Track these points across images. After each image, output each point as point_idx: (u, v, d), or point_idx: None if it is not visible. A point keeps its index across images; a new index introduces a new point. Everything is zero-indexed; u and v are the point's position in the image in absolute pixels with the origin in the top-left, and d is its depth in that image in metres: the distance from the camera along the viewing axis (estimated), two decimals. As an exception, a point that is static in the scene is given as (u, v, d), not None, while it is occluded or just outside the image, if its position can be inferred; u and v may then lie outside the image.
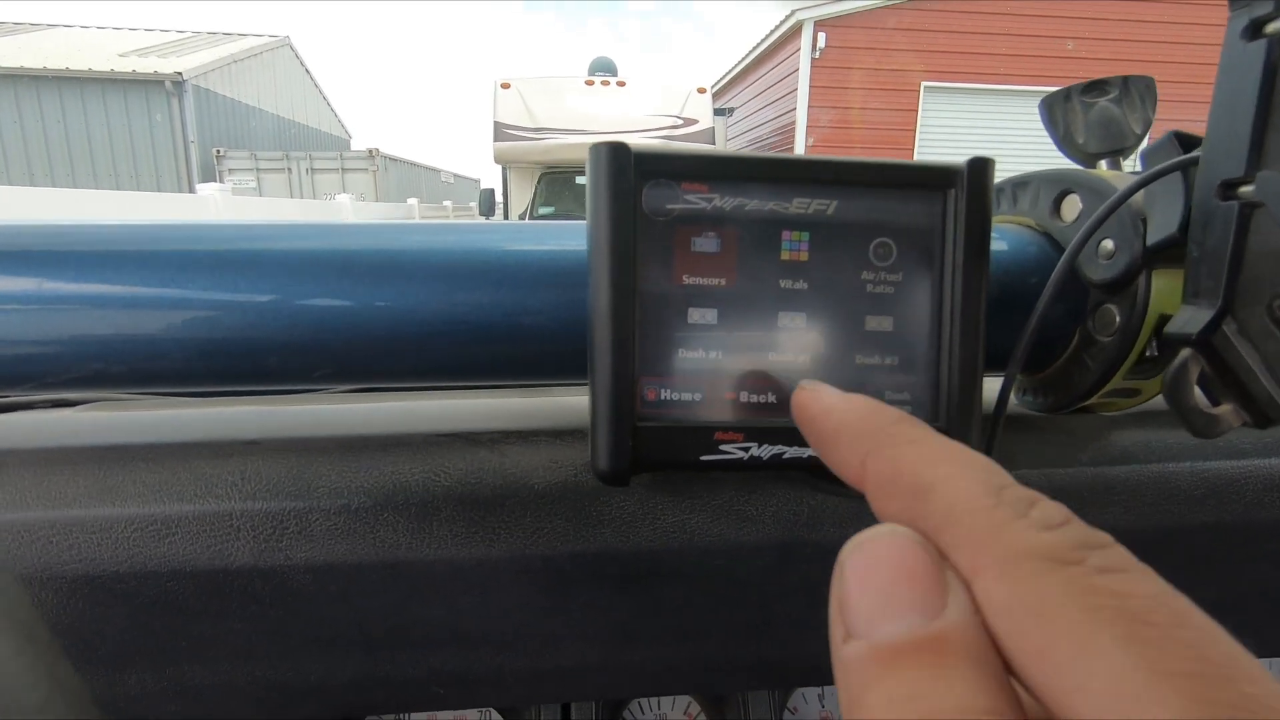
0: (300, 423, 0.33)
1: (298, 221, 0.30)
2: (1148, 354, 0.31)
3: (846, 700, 0.12)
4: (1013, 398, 0.38)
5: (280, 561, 0.29)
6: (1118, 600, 0.11)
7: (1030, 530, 0.12)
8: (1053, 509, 0.12)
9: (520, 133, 6.55)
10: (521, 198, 6.47)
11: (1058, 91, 0.35)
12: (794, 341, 0.27)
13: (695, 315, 0.27)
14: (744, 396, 0.27)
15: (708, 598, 0.33)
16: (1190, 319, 0.23)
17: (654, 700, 0.53)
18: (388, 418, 0.34)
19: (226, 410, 0.34)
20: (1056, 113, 0.34)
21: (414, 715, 0.49)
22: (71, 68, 9.92)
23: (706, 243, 0.27)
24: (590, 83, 7.12)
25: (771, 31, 8.81)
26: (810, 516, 0.32)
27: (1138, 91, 0.33)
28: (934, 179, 0.27)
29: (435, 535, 0.30)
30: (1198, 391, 0.23)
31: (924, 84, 8.11)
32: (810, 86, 8.18)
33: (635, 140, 0.27)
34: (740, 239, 0.27)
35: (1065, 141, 0.34)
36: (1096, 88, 0.34)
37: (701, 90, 7.47)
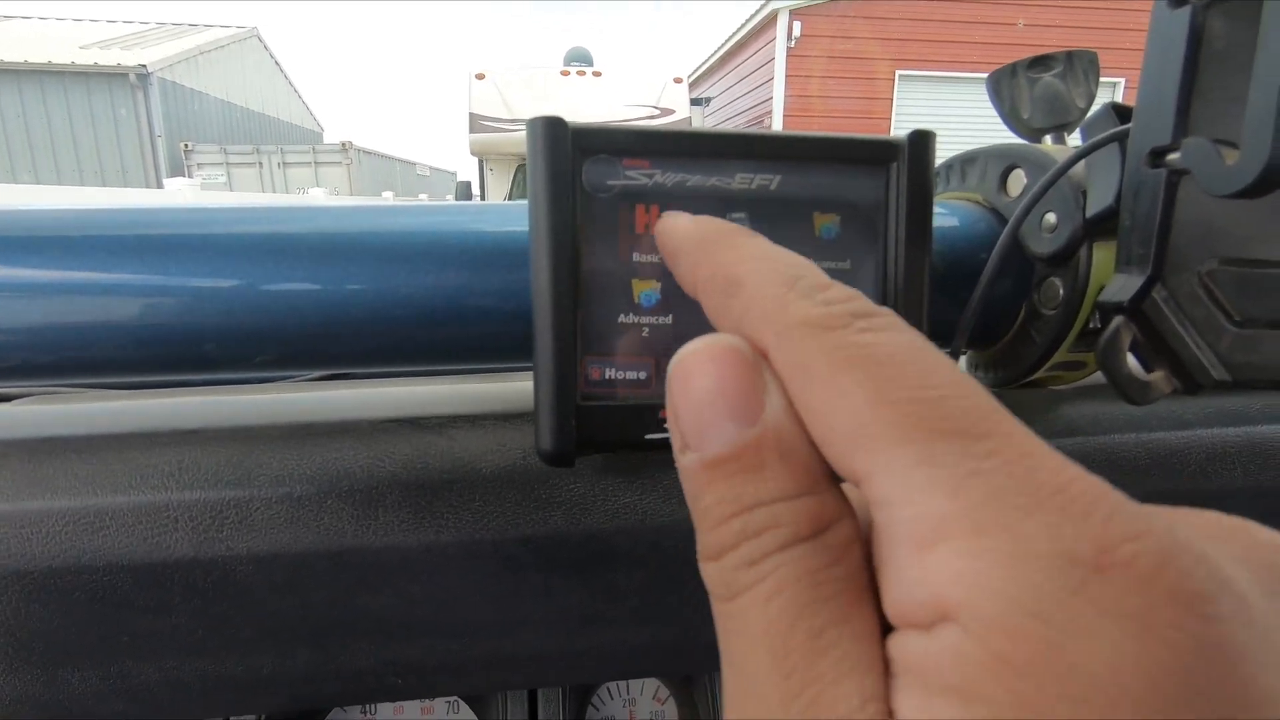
0: (242, 411, 0.32)
1: (231, 205, 0.29)
2: (1091, 326, 0.31)
3: (690, 498, 0.14)
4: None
5: (222, 552, 0.29)
6: (864, 350, 0.12)
7: (808, 305, 0.13)
8: (841, 291, 0.13)
9: (496, 124, 6.49)
10: (499, 190, 6.42)
11: (1004, 67, 0.35)
12: None
13: (638, 293, 0.27)
14: None
15: (665, 579, 0.33)
16: (1122, 287, 0.23)
17: (622, 684, 0.53)
18: (333, 405, 0.33)
19: (166, 401, 0.33)
20: (1003, 88, 0.35)
21: (381, 707, 0.48)
22: (30, 60, 9.64)
23: (649, 218, 0.26)
24: (566, 73, 7.07)
25: (747, 20, 8.80)
26: None
27: (1081, 66, 0.33)
28: (876, 153, 0.27)
29: (381, 522, 0.29)
30: (1132, 359, 0.23)
31: (899, 72, 8.15)
32: (786, 75, 8.20)
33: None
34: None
35: (1011, 117, 0.35)
36: (1041, 63, 0.34)
37: (678, 80, 7.46)
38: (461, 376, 0.39)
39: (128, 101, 10.05)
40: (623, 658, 0.37)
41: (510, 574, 0.31)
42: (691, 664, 0.42)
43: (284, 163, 10.02)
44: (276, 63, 14.27)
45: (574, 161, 0.26)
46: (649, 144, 0.26)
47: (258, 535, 0.29)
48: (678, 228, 0.17)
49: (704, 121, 8.36)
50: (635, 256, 0.27)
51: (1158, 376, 0.23)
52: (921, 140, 0.27)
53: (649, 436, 0.27)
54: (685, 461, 0.14)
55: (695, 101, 8.02)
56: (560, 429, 0.26)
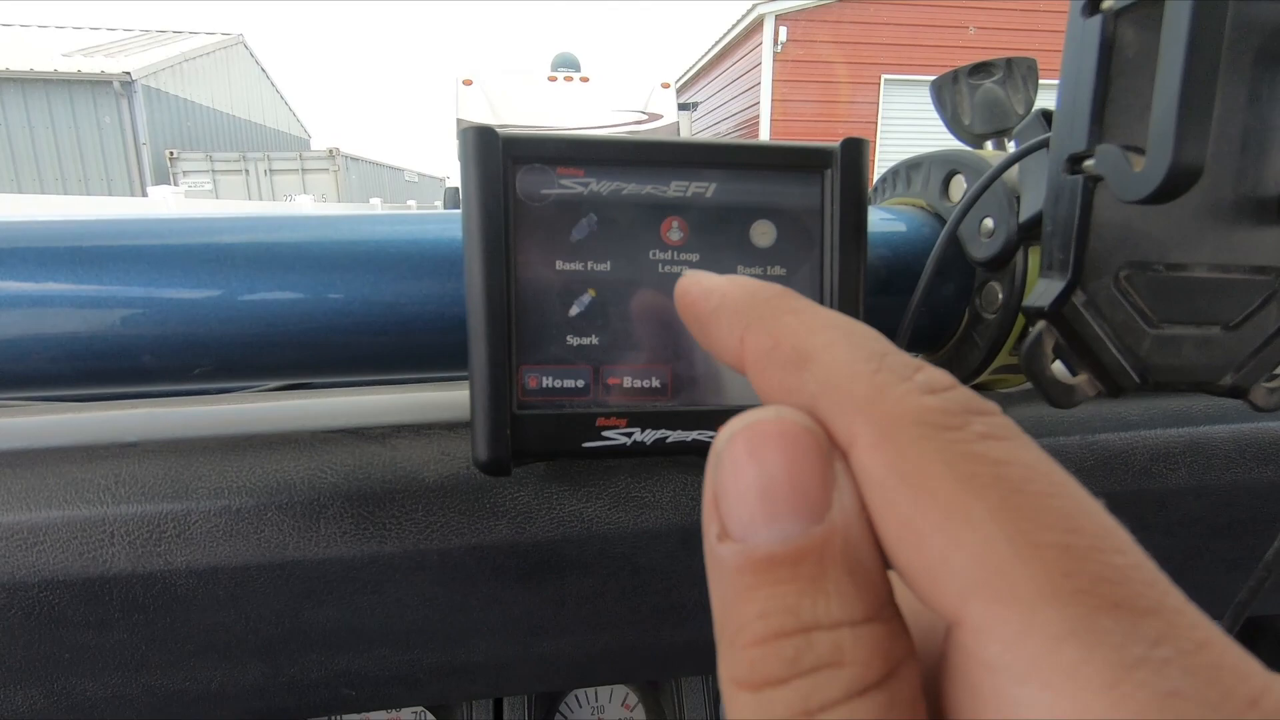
0: (182, 424, 0.32)
1: (165, 215, 0.29)
2: (1029, 329, 0.31)
3: (719, 601, 0.11)
4: None
5: (160, 566, 0.28)
6: (995, 468, 0.10)
7: (911, 394, 0.11)
8: (938, 374, 0.11)
9: (483, 130, 6.47)
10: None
11: (946, 74, 0.35)
12: (677, 325, 0.27)
13: (574, 301, 0.27)
14: (626, 381, 0.27)
15: (613, 586, 0.33)
16: (1044, 291, 0.23)
17: (591, 692, 0.53)
18: (274, 415, 0.33)
19: (103, 414, 0.33)
20: (945, 95, 0.35)
21: (346, 718, 0.48)
22: (11, 68, 9.56)
23: (584, 228, 0.27)
24: (553, 78, 7.08)
25: (734, 25, 8.85)
26: None
27: (1020, 73, 0.34)
28: (810, 160, 0.27)
29: (323, 534, 0.29)
30: (1058, 363, 0.24)
31: (884, 76, 8.21)
32: (773, 80, 8.24)
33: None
34: (618, 223, 0.27)
35: (953, 123, 0.35)
36: (982, 70, 0.34)
37: (665, 85, 7.48)
38: (406, 386, 0.38)
39: (112, 109, 9.97)
40: (582, 665, 0.37)
41: (458, 583, 0.31)
42: (653, 670, 0.42)
43: (271, 170, 9.97)
44: (263, 69, 14.21)
45: (506, 171, 0.26)
46: (582, 152, 0.26)
47: (197, 549, 0.28)
48: (713, 289, 0.14)
49: (691, 126, 8.39)
50: (571, 265, 0.27)
51: (1081, 380, 0.23)
52: (854, 147, 0.27)
53: (587, 445, 0.27)
54: (724, 553, 0.11)
55: (683, 106, 8.05)
56: (495, 438, 0.26)
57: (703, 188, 0.27)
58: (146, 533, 0.28)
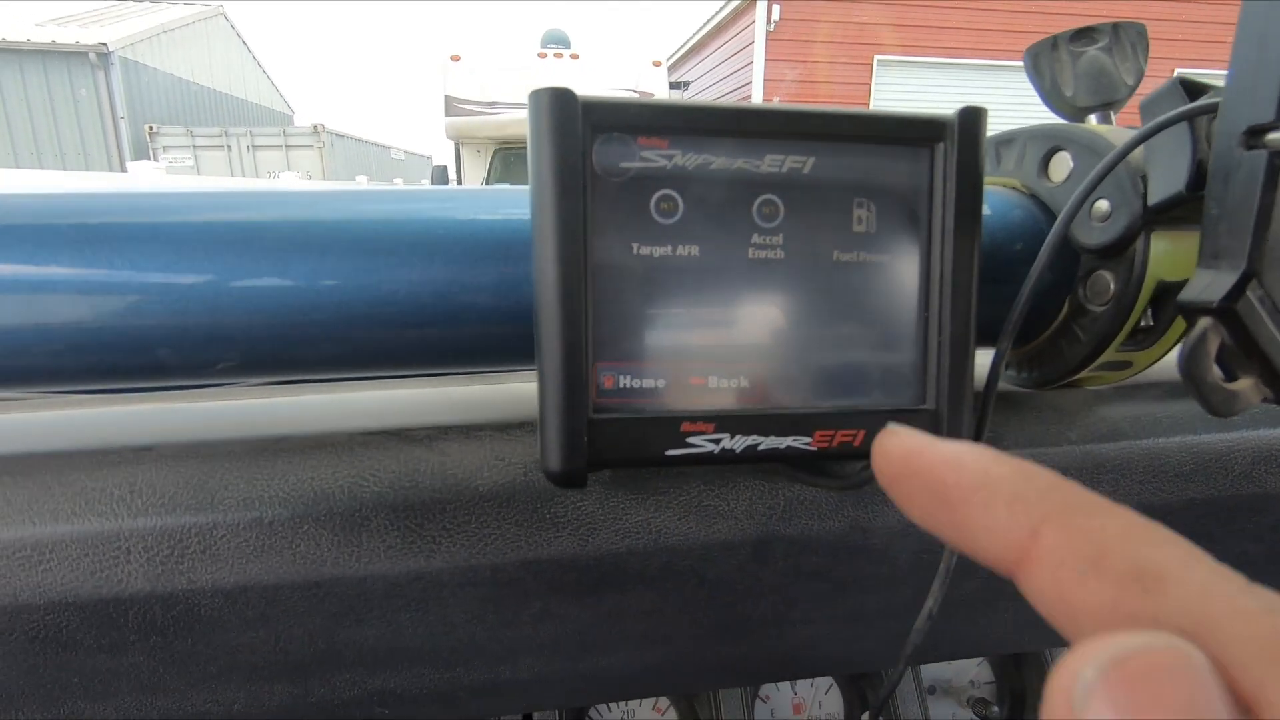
0: (204, 423, 0.28)
1: (185, 189, 0.25)
2: (1143, 324, 0.28)
3: None
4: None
5: (183, 586, 0.25)
6: None
7: None
8: None
9: (472, 107, 6.36)
10: (476, 174, 6.30)
11: (1043, 40, 0.32)
12: (768, 318, 0.24)
13: (656, 290, 0.23)
14: (713, 382, 0.24)
15: (674, 600, 0.30)
16: (1209, 285, 0.21)
17: None
18: (308, 415, 0.30)
19: (116, 411, 0.30)
20: (1042, 63, 0.32)
21: None
22: (-17, 38, 9.24)
23: (668, 206, 0.23)
24: (543, 55, 6.94)
25: (726, 3, 8.72)
26: (785, 509, 0.29)
27: (1129, 39, 0.31)
28: (922, 132, 0.24)
29: (365, 549, 0.26)
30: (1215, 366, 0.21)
31: (877, 57, 8.13)
32: (765, 59, 8.14)
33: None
34: (706, 202, 0.24)
35: (1051, 94, 0.32)
36: (1085, 35, 0.31)
37: (657, 63, 7.37)
38: (452, 379, 0.35)
39: (88, 81, 9.67)
40: (623, 681, 0.35)
41: (510, 599, 0.28)
42: (700, 683, 0.40)
43: (253, 146, 9.74)
44: (244, 42, 13.84)
45: (584, 141, 0.22)
46: (668, 120, 0.23)
47: (224, 566, 0.25)
48: (964, 460, 0.12)
49: (683, 106, 8.27)
50: (653, 250, 0.23)
51: (1246, 385, 0.21)
52: (973, 117, 0.24)
53: (670, 452, 0.24)
54: None
55: (674, 85, 7.94)
56: (570, 446, 0.23)
57: (800, 162, 0.24)
58: (167, 549, 0.25)
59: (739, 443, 0.24)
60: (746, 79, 8.43)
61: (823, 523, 0.29)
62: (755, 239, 0.24)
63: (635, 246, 0.23)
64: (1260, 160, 0.19)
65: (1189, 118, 0.23)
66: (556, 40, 7.53)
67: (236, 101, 13.45)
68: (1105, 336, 0.29)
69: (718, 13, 9.10)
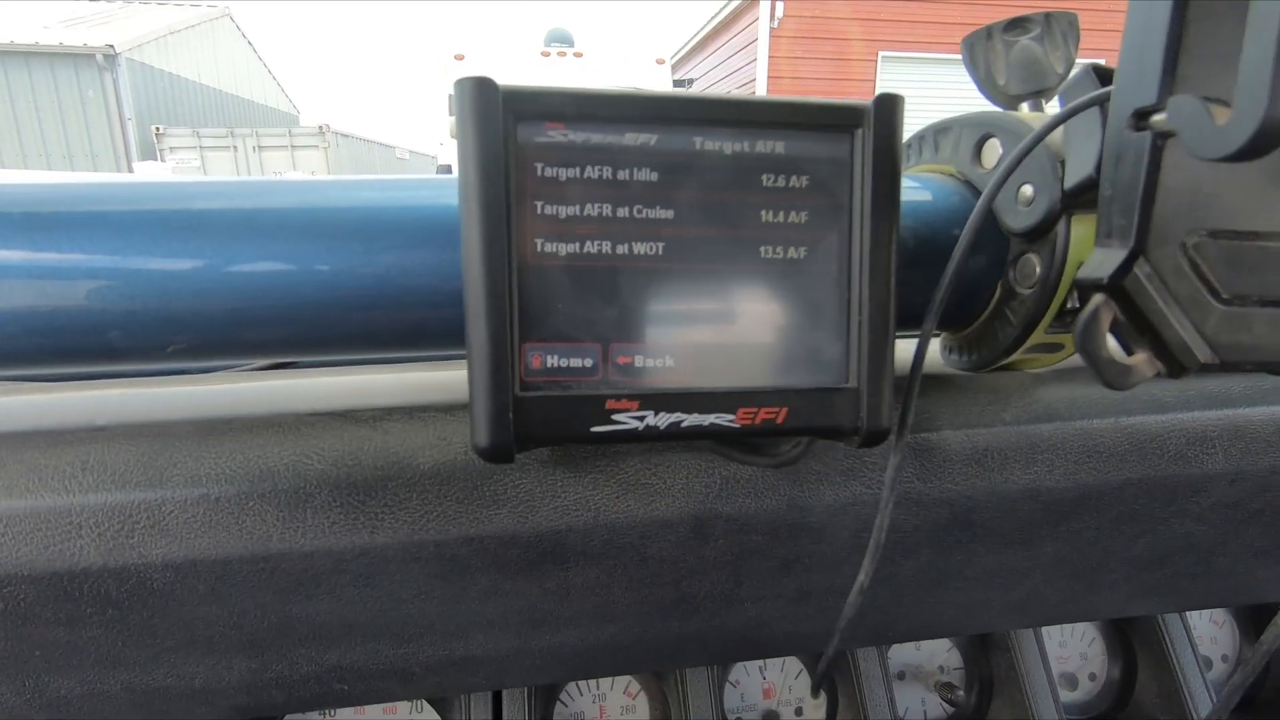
0: (154, 406, 0.30)
1: (133, 179, 0.26)
2: (1069, 305, 0.29)
3: None
4: (939, 356, 0.37)
5: (134, 560, 0.26)
6: None
7: None
8: None
9: (476, 106, 6.37)
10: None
11: (979, 30, 0.33)
12: (693, 298, 0.25)
13: (582, 272, 0.24)
14: (639, 361, 0.25)
15: (619, 577, 0.31)
16: (1101, 262, 0.21)
17: (593, 680, 0.52)
18: (255, 398, 0.31)
19: (71, 395, 0.31)
20: (977, 53, 0.32)
21: (340, 713, 0.46)
22: (-9, 41, 9.33)
23: (592, 191, 0.24)
24: (546, 54, 6.96)
25: (729, 1, 8.70)
26: (722, 487, 0.30)
27: (1060, 28, 0.31)
28: (840, 118, 0.25)
29: (309, 525, 0.27)
30: (1111, 340, 0.22)
31: (882, 53, 8.11)
32: (769, 56, 8.12)
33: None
34: (631, 186, 0.24)
35: (986, 83, 0.33)
36: (1018, 25, 0.32)
37: (660, 61, 7.37)
38: (399, 366, 0.36)
39: (95, 83, 9.76)
40: (585, 657, 0.36)
41: (456, 575, 0.29)
42: (658, 662, 0.40)
43: (259, 146, 9.80)
44: (250, 44, 13.92)
45: (507, 127, 0.23)
46: (590, 108, 0.24)
47: (173, 541, 0.26)
48: None
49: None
50: (578, 232, 0.24)
51: (1140, 359, 0.21)
52: (889, 104, 0.25)
53: (596, 429, 0.25)
54: None
55: (678, 83, 7.93)
56: (497, 422, 0.24)
57: (723, 147, 0.25)
58: (118, 524, 0.26)
59: (663, 420, 0.25)
60: (750, 76, 8.42)
61: (760, 500, 0.30)
62: (680, 222, 0.25)
63: (561, 229, 0.24)
64: (1145, 142, 0.20)
65: (1095, 104, 0.24)
66: (560, 39, 7.54)
67: (242, 102, 13.52)
68: (1033, 319, 0.29)
69: (721, 10, 9.09)
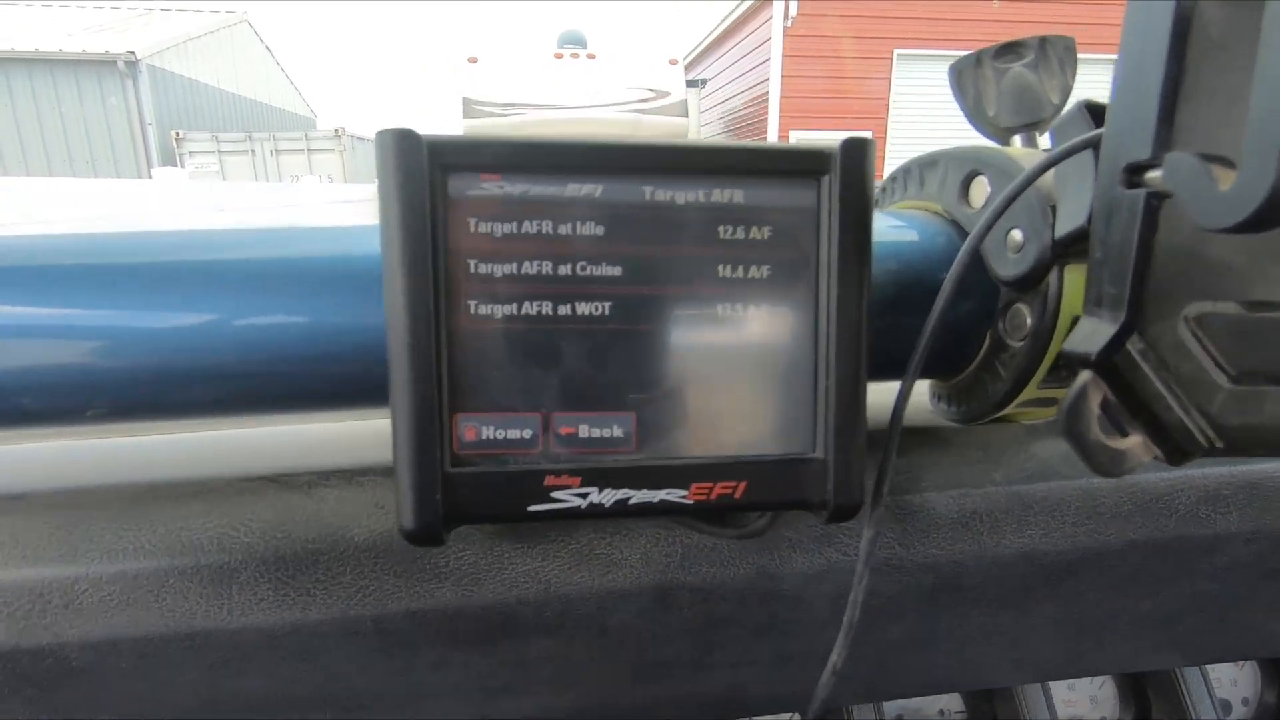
0: (77, 466, 0.28)
1: (38, 231, 0.25)
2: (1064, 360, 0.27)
3: None
4: (928, 405, 0.34)
5: (49, 640, 0.25)
6: None
7: None
8: None
9: (490, 108, 6.39)
10: (492, 176, 6.31)
11: (968, 56, 0.30)
12: (645, 364, 0.23)
13: (521, 335, 0.22)
14: (583, 430, 0.23)
15: (578, 647, 0.29)
16: (1091, 334, 0.19)
17: None
18: (185, 456, 0.29)
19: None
20: (965, 80, 0.30)
21: None
22: (17, 48, 9.50)
23: (534, 248, 0.22)
24: (560, 56, 6.96)
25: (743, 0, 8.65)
26: (685, 557, 0.28)
27: (1056, 54, 0.29)
28: (804, 164, 0.23)
29: (235, 601, 0.25)
30: (1103, 420, 0.19)
31: (897, 51, 8.01)
32: (783, 55, 8.06)
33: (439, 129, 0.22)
34: (573, 241, 0.22)
35: (975, 114, 0.30)
36: (1010, 51, 0.29)
37: (673, 61, 7.34)
38: (338, 415, 0.34)
39: (117, 89, 9.90)
40: None
41: (400, 649, 0.27)
42: None
43: (276, 150, 9.89)
44: (268, 48, 14.06)
45: (434, 180, 0.21)
46: (529, 157, 0.22)
47: (89, 620, 0.24)
48: None
49: (700, 103, 8.24)
50: (517, 294, 0.22)
51: (1134, 443, 0.19)
52: (857, 148, 0.22)
53: (533, 508, 0.22)
54: None
55: (691, 83, 7.89)
56: (423, 503, 0.22)
57: (673, 197, 0.23)
58: (28, 603, 0.24)
59: (608, 497, 0.23)
60: (764, 75, 8.35)
61: (727, 570, 0.28)
62: (628, 280, 0.23)
63: (496, 290, 0.22)
64: (1139, 201, 0.18)
65: (1090, 146, 0.22)
66: (573, 40, 7.53)
67: (260, 106, 13.67)
68: (1024, 373, 0.27)
69: (734, 10, 9.03)
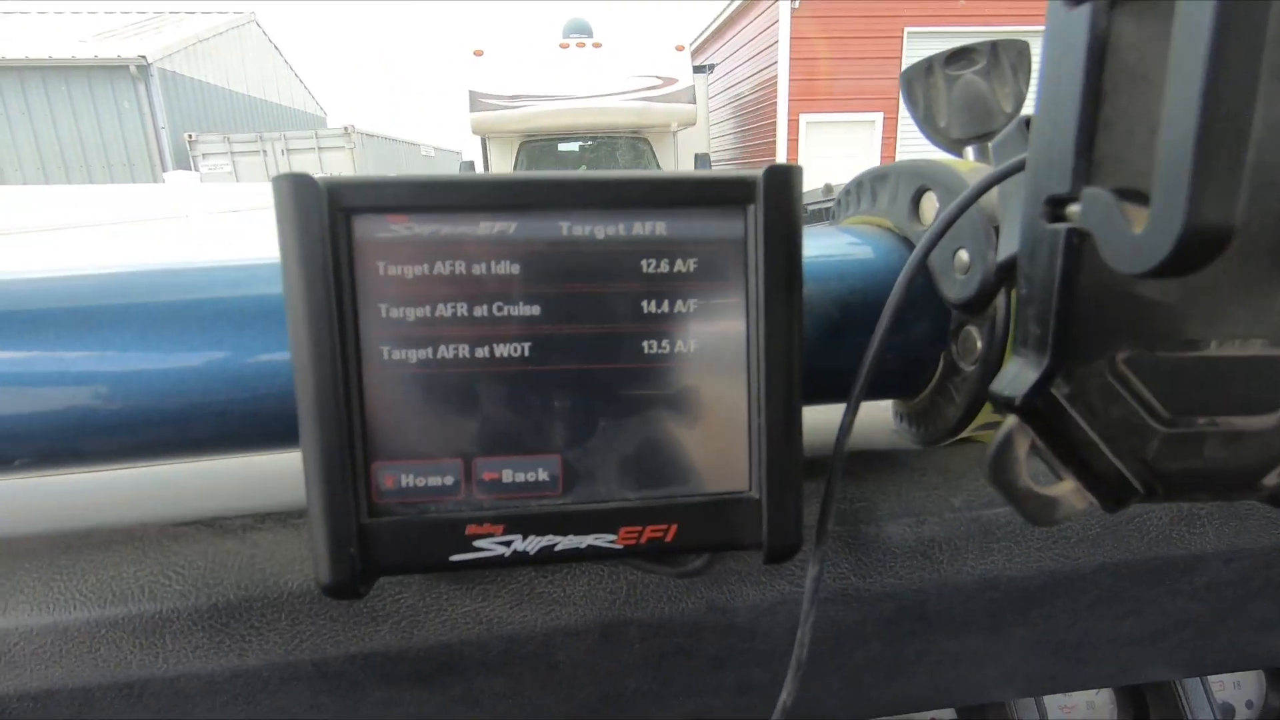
0: (5, 511, 0.28)
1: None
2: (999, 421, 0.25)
3: None
4: (890, 425, 0.33)
5: None
6: None
7: None
8: None
9: (497, 101, 6.37)
10: (503, 167, 6.33)
11: (919, 63, 0.29)
12: (568, 405, 0.22)
13: (437, 379, 0.22)
14: (506, 475, 0.22)
15: (530, 683, 0.29)
16: (1015, 377, 0.18)
17: None
18: (118, 497, 0.29)
19: None
20: (916, 89, 0.29)
21: None
22: (31, 56, 9.62)
23: (447, 289, 0.21)
24: (565, 45, 6.91)
25: (749, -18, 8.53)
26: (630, 593, 0.27)
27: (1009, 60, 0.27)
28: (727, 193, 0.22)
29: (170, 650, 0.25)
30: (1033, 465, 0.18)
31: (907, 29, 7.86)
32: (790, 38, 7.95)
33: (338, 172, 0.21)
34: (489, 281, 0.21)
35: (926, 124, 0.29)
36: (962, 57, 0.28)
37: (680, 48, 7.26)
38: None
39: (130, 94, 10.00)
40: None
41: (345, 691, 0.27)
42: None
43: (288, 149, 9.94)
44: (276, 48, 14.12)
45: (335, 224, 0.20)
46: (436, 195, 0.21)
47: (23, 673, 0.24)
48: None
49: (707, 89, 8.15)
50: (432, 337, 0.21)
51: (1067, 489, 0.18)
52: (782, 176, 0.21)
53: (455, 558, 0.22)
54: None
55: (698, 69, 7.81)
56: (337, 556, 0.21)
57: (591, 231, 0.22)
58: None
59: (533, 544, 0.22)
60: (772, 59, 8.24)
61: (675, 605, 0.27)
62: (549, 318, 0.22)
63: (410, 334, 0.21)
64: (1059, 238, 0.16)
65: (1020, 169, 0.20)
66: (578, 29, 7.47)
67: (271, 106, 13.76)
68: (976, 398, 0.26)
69: (740, -7, 8.91)
